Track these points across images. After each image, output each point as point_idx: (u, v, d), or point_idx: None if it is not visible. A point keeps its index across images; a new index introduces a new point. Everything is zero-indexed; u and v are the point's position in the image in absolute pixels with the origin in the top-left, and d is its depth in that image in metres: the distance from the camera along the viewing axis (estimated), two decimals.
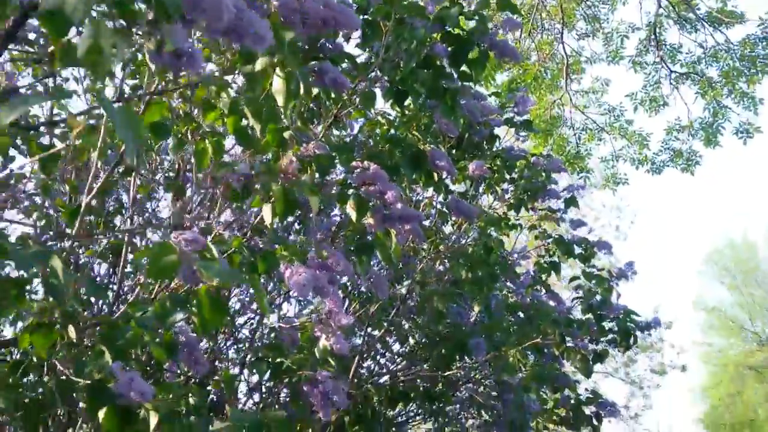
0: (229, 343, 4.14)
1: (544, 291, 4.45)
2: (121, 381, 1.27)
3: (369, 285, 2.33)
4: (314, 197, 1.70)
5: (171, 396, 1.59)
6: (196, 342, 1.64)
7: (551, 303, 4.54)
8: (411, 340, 4.66)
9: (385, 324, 4.26)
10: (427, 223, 4.54)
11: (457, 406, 6.93)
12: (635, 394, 17.59)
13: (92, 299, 1.93)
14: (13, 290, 1.19)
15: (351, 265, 1.83)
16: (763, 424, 34.24)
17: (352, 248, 2.20)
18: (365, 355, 4.50)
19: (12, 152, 2.25)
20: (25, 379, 1.79)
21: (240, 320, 4.85)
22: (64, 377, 1.57)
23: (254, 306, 4.77)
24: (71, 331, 1.51)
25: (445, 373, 4.03)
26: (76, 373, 1.37)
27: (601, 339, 3.98)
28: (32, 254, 1.12)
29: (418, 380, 4.58)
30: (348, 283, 4.07)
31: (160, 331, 1.55)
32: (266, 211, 1.75)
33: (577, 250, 4.39)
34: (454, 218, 4.62)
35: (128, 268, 2.48)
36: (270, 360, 2.60)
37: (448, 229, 4.66)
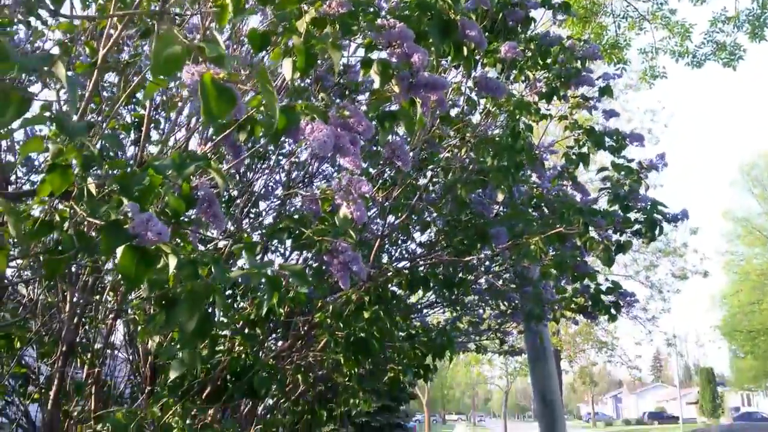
0: (251, 222, 4.19)
1: (570, 183, 4.39)
2: (138, 220, 1.27)
3: (391, 155, 2.28)
4: (337, 53, 1.64)
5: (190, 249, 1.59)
6: (215, 197, 1.64)
7: (577, 195, 4.50)
8: (432, 228, 4.66)
9: (407, 211, 4.26)
10: (453, 112, 4.45)
11: (476, 297, 7.06)
12: (654, 297, 17.81)
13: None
14: (14, 97, 1.17)
15: (372, 126, 1.78)
16: None
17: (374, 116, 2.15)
18: (386, 240, 4.52)
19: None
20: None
21: (263, 205, 4.90)
22: (83, 226, 1.58)
23: (278, 192, 4.79)
24: (90, 185, 1.50)
25: (465, 259, 4.05)
26: (93, 216, 1.37)
27: (626, 230, 3.95)
28: (35, 57, 1.09)
29: (438, 267, 4.62)
30: (371, 167, 4.05)
31: (178, 183, 1.54)
32: (286, 66, 1.70)
33: (608, 141, 4.29)
34: (482, 105, 4.52)
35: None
36: (291, 230, 2.62)
37: (475, 118, 4.57)
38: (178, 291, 1.53)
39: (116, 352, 4.47)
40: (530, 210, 4.30)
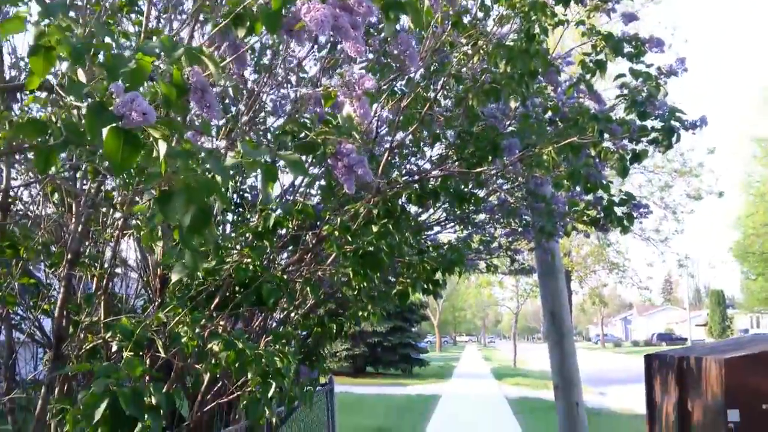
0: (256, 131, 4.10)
1: (586, 92, 4.24)
2: (122, 100, 1.19)
3: (399, 51, 2.16)
4: None
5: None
6: (209, 85, 1.55)
7: (592, 106, 4.35)
8: (443, 141, 4.56)
9: (417, 123, 4.15)
10: (466, 20, 4.27)
11: (486, 216, 7.01)
12: (668, 218, 17.71)
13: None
14: None
15: (374, 9, 1.67)
16: None
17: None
18: (395, 154, 4.43)
19: None
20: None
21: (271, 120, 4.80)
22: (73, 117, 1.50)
23: (287, 107, 4.68)
24: (79, 74, 1.42)
25: (477, 170, 3.96)
26: (79, 101, 1.29)
27: (642, 138, 3.82)
28: None
29: (449, 180, 4.54)
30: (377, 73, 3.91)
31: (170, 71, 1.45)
32: None
33: (626, 48, 4.11)
34: (495, 11, 4.34)
35: None
36: (295, 134, 2.53)
37: (489, 25, 4.39)
38: (172, 184, 1.46)
39: (128, 268, 4.48)
40: (544, 122, 4.17)
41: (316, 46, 4.71)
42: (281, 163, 2.50)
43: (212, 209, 1.49)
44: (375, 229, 4.04)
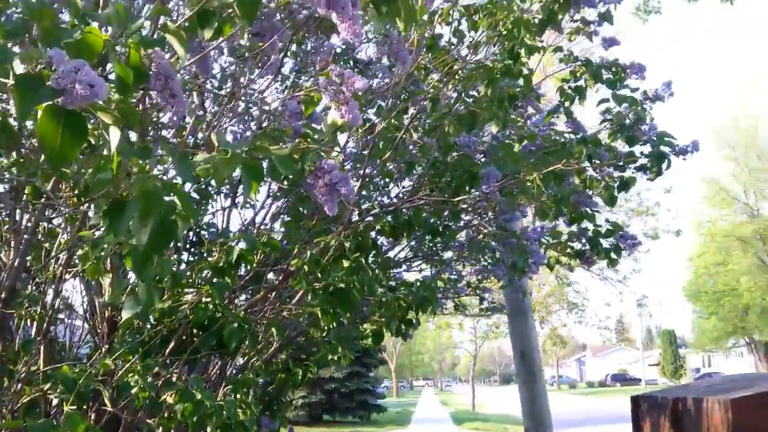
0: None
1: (565, 120, 4.06)
2: (63, 69, 0.90)
3: (386, 51, 1.91)
4: None
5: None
6: (173, 71, 1.26)
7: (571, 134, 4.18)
8: (417, 170, 4.32)
9: (390, 150, 3.90)
10: (442, 42, 4.09)
11: (454, 254, 6.77)
12: (624, 257, 17.76)
13: None
14: None
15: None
16: (744, 293, 35.34)
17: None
18: (367, 183, 4.17)
19: None
20: None
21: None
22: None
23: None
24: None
25: (454, 199, 3.72)
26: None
27: (629, 165, 3.64)
28: None
29: (423, 212, 4.30)
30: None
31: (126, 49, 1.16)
32: None
33: (606, 75, 3.97)
34: (469, 37, 4.17)
35: None
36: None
37: (464, 51, 4.21)
38: (126, 192, 1.15)
39: (73, 312, 4.09)
40: (521, 146, 3.97)
41: (280, 76, 4.47)
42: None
43: (176, 225, 1.20)
44: (346, 264, 3.74)
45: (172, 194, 1.21)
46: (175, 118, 1.19)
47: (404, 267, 6.35)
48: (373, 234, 4.30)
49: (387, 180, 4.33)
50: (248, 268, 3.60)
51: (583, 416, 25.46)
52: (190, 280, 3.30)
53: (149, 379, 2.89)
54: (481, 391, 50.01)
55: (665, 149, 3.51)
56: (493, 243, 5.71)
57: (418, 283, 4.85)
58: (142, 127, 1.98)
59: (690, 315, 52.85)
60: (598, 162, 3.45)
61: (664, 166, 3.51)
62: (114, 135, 0.97)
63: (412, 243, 6.24)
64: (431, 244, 6.45)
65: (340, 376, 26.47)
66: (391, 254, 5.95)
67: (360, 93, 1.68)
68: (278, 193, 4.25)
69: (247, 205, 4.80)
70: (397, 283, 4.81)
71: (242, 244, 3.26)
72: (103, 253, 1.99)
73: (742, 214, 37.53)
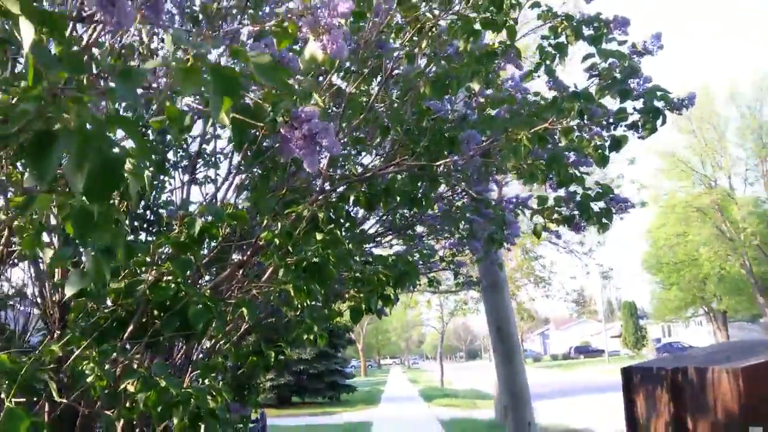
0: None
1: (546, 79, 3.83)
2: None
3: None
4: None
5: None
6: None
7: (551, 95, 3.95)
8: (390, 136, 4.05)
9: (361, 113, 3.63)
10: None
11: (425, 229, 6.55)
12: (590, 231, 17.74)
13: None
14: None
15: None
16: (704, 263, 36.02)
17: None
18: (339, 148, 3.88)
19: None
20: None
21: None
22: None
23: None
24: None
25: (435, 163, 3.47)
26: None
27: (620, 123, 3.42)
28: None
29: (398, 180, 4.04)
30: None
31: None
32: None
33: (587, 30, 3.73)
34: None
35: None
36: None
37: (436, 9, 3.93)
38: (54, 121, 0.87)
39: (22, 297, 3.76)
40: (501, 108, 3.72)
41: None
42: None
43: (121, 164, 0.93)
44: (319, 237, 3.47)
45: (116, 127, 0.92)
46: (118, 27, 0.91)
47: (374, 242, 6.10)
48: (346, 206, 4.04)
49: (359, 148, 4.05)
50: (213, 244, 3.31)
51: (550, 389, 25.70)
52: (149, 259, 2.99)
53: (106, 367, 2.60)
54: (447, 367, 50.34)
55: (659, 104, 3.29)
56: (468, 214, 5.49)
57: (395, 258, 4.62)
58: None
59: (649, 286, 53.84)
60: (589, 119, 3.21)
61: (658, 122, 3.29)
62: (26, 30, 0.69)
63: (384, 217, 5.99)
64: (403, 218, 6.21)
65: (309, 357, 26.22)
66: (366, 226, 5.70)
67: (344, 18, 1.40)
68: (242, 166, 3.94)
69: (208, 180, 4.49)
70: (371, 258, 4.57)
71: (205, 217, 2.97)
72: (35, 216, 1.69)
73: (699, 185, 38.14)
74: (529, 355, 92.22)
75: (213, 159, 4.21)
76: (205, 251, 3.95)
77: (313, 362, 26.62)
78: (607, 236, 20.25)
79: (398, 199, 3.81)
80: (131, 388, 2.60)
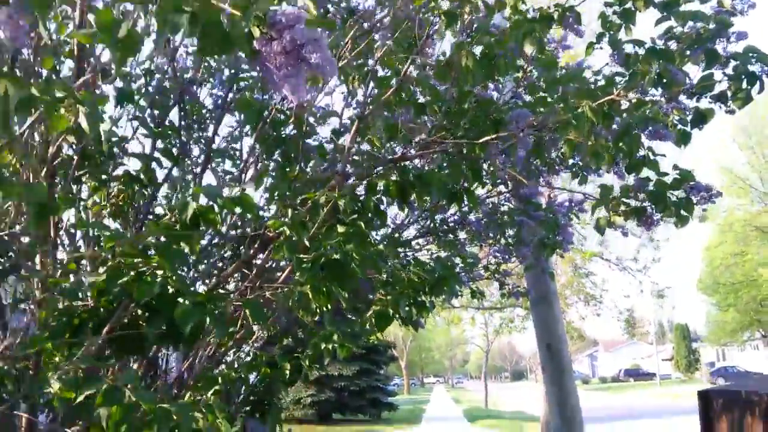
0: None
1: (611, 51, 3.26)
2: None
3: None
4: None
5: None
6: None
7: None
8: (430, 119, 3.54)
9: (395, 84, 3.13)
10: None
11: (466, 236, 6.00)
12: (646, 245, 16.92)
13: None
14: None
15: None
16: (763, 284, 34.30)
17: None
18: (363, 125, 3.37)
19: None
20: None
21: None
22: None
23: None
24: None
25: (478, 141, 2.94)
26: None
27: (705, 93, 2.82)
28: None
29: (439, 169, 3.53)
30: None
31: None
32: None
33: None
34: None
35: None
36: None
37: None
38: None
39: None
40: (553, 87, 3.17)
41: None
42: None
43: None
44: (341, 230, 2.98)
45: None
46: None
47: (411, 248, 5.57)
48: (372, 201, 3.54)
49: (390, 136, 3.54)
50: (213, 232, 2.84)
51: (600, 413, 24.62)
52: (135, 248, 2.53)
53: (72, 374, 2.14)
54: (492, 387, 49.29)
55: (755, 68, 2.69)
56: (516, 217, 4.93)
57: (434, 260, 4.10)
58: None
59: (703, 308, 51.70)
60: (668, 87, 2.62)
61: (754, 89, 2.69)
62: None
63: (423, 221, 5.46)
64: (444, 222, 5.67)
65: (350, 373, 25.76)
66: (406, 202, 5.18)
67: None
68: (258, 153, 3.48)
69: (224, 172, 4.03)
70: (407, 261, 4.06)
71: (200, 200, 2.50)
72: None
73: (759, 203, 36.51)
74: (577, 377, 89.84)
75: (228, 147, 3.77)
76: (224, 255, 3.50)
77: (353, 379, 26.11)
78: (662, 254, 19.32)
79: (436, 191, 3.28)
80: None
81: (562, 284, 16.95)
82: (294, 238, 2.63)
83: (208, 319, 2.43)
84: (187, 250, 2.58)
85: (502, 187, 5.65)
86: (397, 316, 3.83)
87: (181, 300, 2.41)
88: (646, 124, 2.66)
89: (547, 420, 12.78)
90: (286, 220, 2.69)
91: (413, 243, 5.17)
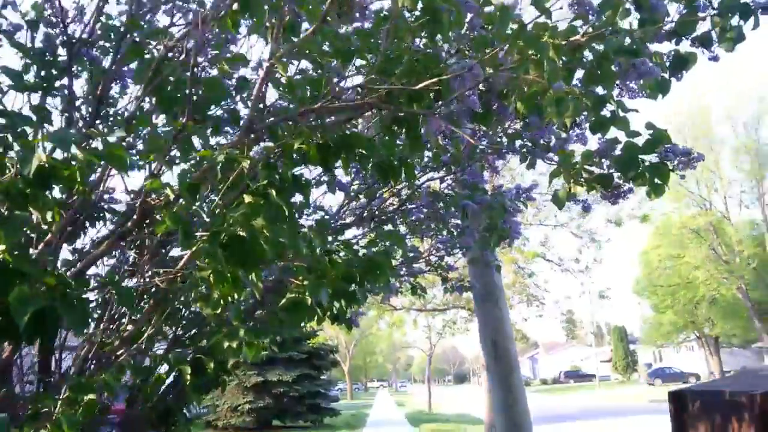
0: None
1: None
2: None
3: None
4: None
5: None
6: None
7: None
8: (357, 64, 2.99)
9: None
10: None
11: (408, 225, 5.49)
12: (588, 245, 16.75)
13: None
14: None
15: None
16: (699, 286, 34.96)
17: None
18: (275, 70, 2.82)
19: None
20: None
21: None
22: None
23: None
24: None
25: (416, 86, 2.42)
26: None
27: (686, 35, 2.35)
28: None
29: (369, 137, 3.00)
30: None
31: None
32: None
33: None
34: None
35: None
36: None
37: None
38: None
39: None
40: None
41: None
42: None
43: None
44: (248, 199, 2.41)
45: None
46: None
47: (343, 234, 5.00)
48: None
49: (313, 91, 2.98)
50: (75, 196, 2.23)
51: (542, 414, 24.50)
52: None
53: None
54: (436, 391, 49.06)
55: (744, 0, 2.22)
56: (461, 201, 4.42)
57: (368, 242, 3.57)
58: None
59: (640, 310, 52.49)
60: (646, 24, 2.14)
61: (748, 25, 2.23)
62: None
63: (355, 204, 4.91)
64: (381, 212, 5.14)
65: (290, 379, 24.96)
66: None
67: None
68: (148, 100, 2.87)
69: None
70: (337, 246, 3.50)
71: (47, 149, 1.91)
72: None
73: (694, 207, 37.22)
74: None
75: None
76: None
77: (293, 384, 25.33)
78: (603, 255, 19.24)
79: (364, 158, 2.75)
80: None
81: (505, 284, 16.62)
82: (177, 203, 2.04)
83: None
84: (37, 218, 1.98)
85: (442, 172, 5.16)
86: (328, 312, 3.27)
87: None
88: (623, 55, 2.17)
89: (492, 423, 12.30)
90: (177, 184, 2.11)
91: (347, 234, 4.60)
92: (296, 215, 2.87)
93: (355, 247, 4.20)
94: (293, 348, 25.83)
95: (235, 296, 2.54)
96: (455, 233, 5.11)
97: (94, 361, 2.70)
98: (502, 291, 6.25)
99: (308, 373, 26.31)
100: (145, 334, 2.76)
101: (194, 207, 2.12)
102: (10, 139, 2.21)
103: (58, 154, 2.07)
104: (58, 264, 2.46)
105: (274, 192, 2.41)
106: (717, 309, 37.95)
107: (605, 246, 17.28)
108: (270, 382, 24.74)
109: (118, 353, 2.78)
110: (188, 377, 2.94)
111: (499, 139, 4.39)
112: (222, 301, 2.56)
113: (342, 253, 3.00)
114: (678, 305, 38.30)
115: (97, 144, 2.07)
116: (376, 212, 4.55)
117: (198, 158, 2.30)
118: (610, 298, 17.76)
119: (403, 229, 5.59)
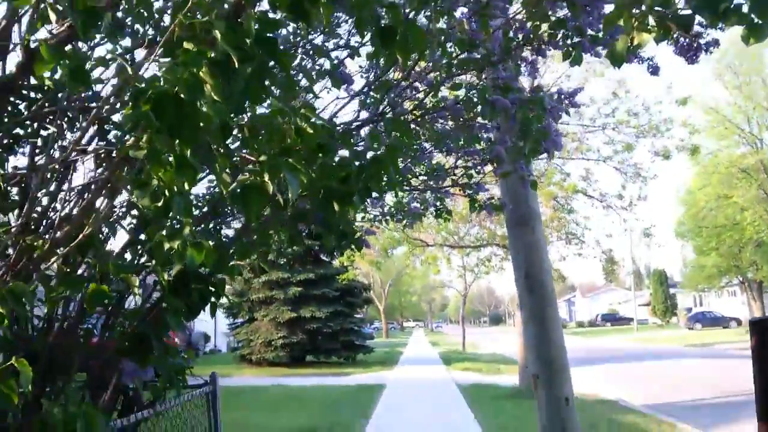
0: None
1: None
2: None
3: None
4: None
5: None
6: None
7: None
8: None
9: None
10: None
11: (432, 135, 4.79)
12: (631, 181, 15.77)
13: None
14: None
15: None
16: (747, 227, 33.55)
17: None
18: None
19: None
20: None
21: None
22: None
23: None
24: None
25: None
26: None
27: None
28: None
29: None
30: None
31: None
32: None
33: None
34: None
35: None
36: None
37: None
38: None
39: None
40: None
41: None
42: None
43: None
44: (187, 47, 1.77)
45: None
46: None
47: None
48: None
49: None
50: None
51: (578, 356, 24.01)
52: None
53: None
54: (470, 332, 48.97)
55: None
56: (494, 98, 3.71)
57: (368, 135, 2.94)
58: None
59: (681, 253, 50.98)
60: None
61: None
62: None
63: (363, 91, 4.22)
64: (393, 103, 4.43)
65: (323, 315, 24.83)
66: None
67: None
68: None
69: None
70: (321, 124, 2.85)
71: None
72: None
73: (744, 145, 35.51)
74: None
75: None
76: None
77: (327, 321, 25.20)
78: (647, 192, 18.23)
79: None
80: None
81: (543, 220, 15.82)
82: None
83: None
84: None
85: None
86: (310, 217, 2.67)
87: None
88: None
89: (525, 363, 11.76)
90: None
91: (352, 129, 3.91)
92: (273, 92, 2.22)
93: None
94: (325, 285, 25.61)
95: (185, 186, 1.92)
96: (485, 146, 4.42)
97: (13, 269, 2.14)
98: (539, 216, 5.56)
99: (342, 310, 26.15)
100: (81, 235, 2.18)
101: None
102: None
103: None
104: None
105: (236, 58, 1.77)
106: (763, 252, 36.53)
107: (651, 183, 16.27)
108: (303, 318, 24.63)
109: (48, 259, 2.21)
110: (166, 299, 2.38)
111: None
112: (167, 192, 1.94)
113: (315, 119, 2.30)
114: (723, 248, 36.96)
115: None
116: (390, 112, 3.85)
117: None
118: (655, 236, 16.82)
119: (427, 145, 4.91)
